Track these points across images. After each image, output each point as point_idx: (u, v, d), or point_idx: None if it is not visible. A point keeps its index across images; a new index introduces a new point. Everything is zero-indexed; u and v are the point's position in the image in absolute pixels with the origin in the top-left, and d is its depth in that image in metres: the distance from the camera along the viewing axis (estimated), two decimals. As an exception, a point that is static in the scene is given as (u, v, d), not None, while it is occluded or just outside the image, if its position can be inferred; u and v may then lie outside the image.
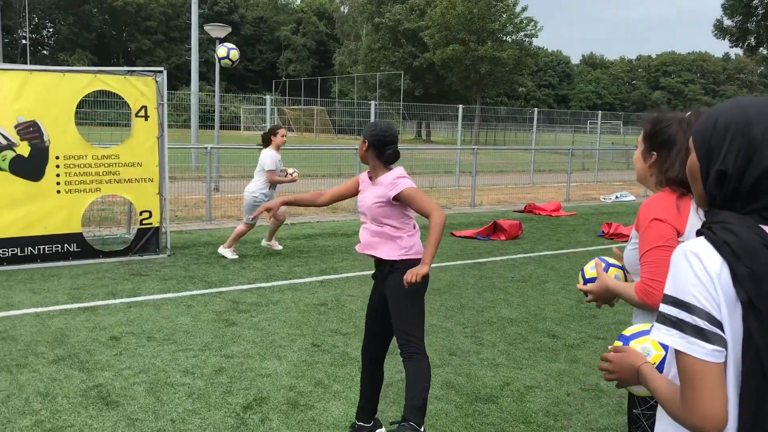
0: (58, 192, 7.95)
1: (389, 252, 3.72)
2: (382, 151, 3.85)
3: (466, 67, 47.52)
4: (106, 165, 8.21)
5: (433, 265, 8.53)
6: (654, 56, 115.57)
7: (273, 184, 8.68)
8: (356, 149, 13.73)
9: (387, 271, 3.76)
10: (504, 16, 48.14)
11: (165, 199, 8.72)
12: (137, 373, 4.82)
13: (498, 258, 9.26)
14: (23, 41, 68.61)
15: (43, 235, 7.88)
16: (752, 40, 34.54)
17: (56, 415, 4.11)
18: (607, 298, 2.49)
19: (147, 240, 8.56)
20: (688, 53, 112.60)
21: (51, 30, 77.71)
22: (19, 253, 7.77)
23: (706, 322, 1.37)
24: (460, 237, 10.80)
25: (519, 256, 9.46)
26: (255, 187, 8.73)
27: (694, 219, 2.24)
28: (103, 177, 8.22)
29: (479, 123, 42.43)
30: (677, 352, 1.42)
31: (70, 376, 4.71)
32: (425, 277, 3.54)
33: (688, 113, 2.41)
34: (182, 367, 4.96)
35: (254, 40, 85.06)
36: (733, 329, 1.37)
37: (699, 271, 1.40)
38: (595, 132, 28.52)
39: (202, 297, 6.87)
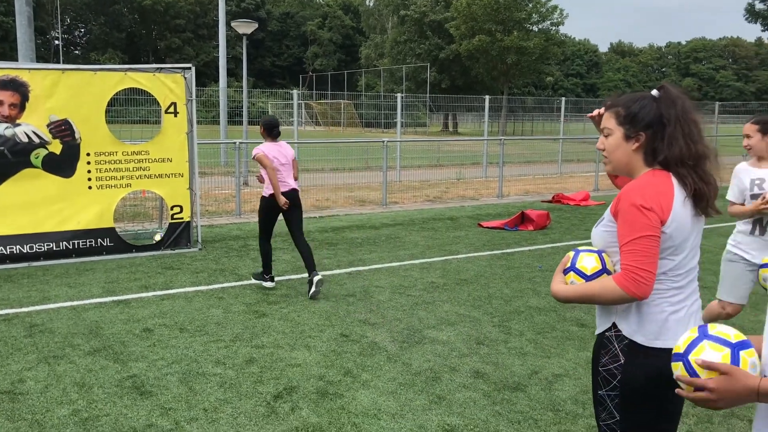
0: (90, 188, 8.11)
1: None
2: (271, 132, 7.01)
3: (492, 57, 47.20)
4: (137, 161, 8.36)
5: (460, 256, 8.56)
6: (684, 43, 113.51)
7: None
8: (382, 141, 13.72)
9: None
10: (530, 5, 47.67)
11: (195, 193, 8.84)
12: (170, 363, 4.92)
13: (526, 248, 9.22)
14: (56, 42, 69.76)
15: (76, 230, 8.05)
16: (786, 23, 33.77)
17: (92, 405, 4.23)
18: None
19: (179, 234, 8.70)
20: (719, 39, 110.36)
21: (83, 30, 78.90)
22: (54, 248, 7.95)
23: None
24: (488, 228, 10.78)
25: (547, 246, 9.41)
26: None
27: (677, 206, 2.19)
28: (134, 173, 8.36)
29: (506, 114, 42.13)
30: None
31: (106, 367, 4.83)
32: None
33: (654, 90, 2.32)
34: (214, 357, 5.05)
35: (281, 35, 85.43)
36: None
37: None
38: (625, 120, 28.12)
39: (232, 289, 6.97)
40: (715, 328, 1.71)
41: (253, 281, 7.16)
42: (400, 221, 11.44)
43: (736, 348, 1.63)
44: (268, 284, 7.01)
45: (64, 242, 8.00)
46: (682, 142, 2.24)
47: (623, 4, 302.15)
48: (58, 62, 58.68)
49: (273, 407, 4.22)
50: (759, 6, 33.56)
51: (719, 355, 1.63)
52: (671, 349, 1.86)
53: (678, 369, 1.73)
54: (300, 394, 4.43)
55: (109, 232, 8.27)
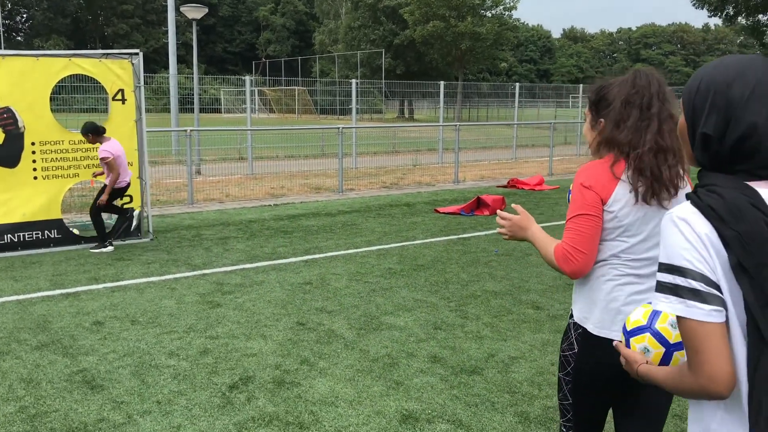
0: (36, 178, 7.86)
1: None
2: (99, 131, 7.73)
3: (446, 43, 47.28)
4: (84, 150, 8.12)
5: (417, 242, 8.57)
6: (634, 29, 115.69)
7: None
8: (338, 128, 13.65)
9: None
10: (483, -10, 47.83)
11: (145, 183, 8.64)
12: (122, 356, 4.80)
13: (482, 233, 9.28)
14: (-3, 28, 67.34)
15: (22, 222, 7.79)
16: (730, 9, 34.54)
17: (41, 401, 4.10)
18: (519, 236, 2.46)
19: (128, 224, 8.49)
20: (669, 24, 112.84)
21: (25, 16, 76.34)
22: (-2, 242, 7.69)
23: (702, 284, 1.37)
24: (444, 213, 10.82)
25: (503, 230, 9.47)
26: None
27: (621, 188, 2.19)
28: (81, 162, 8.13)
29: (461, 99, 42.32)
30: (678, 319, 1.41)
31: (54, 362, 4.69)
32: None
33: (628, 74, 2.31)
34: (167, 349, 4.94)
35: (232, 21, 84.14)
36: (731, 289, 1.37)
37: (689, 235, 1.39)
38: (577, 106, 28.56)
39: (185, 280, 6.84)
40: None
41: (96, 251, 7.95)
42: (357, 208, 11.40)
43: (628, 335, 1.79)
44: (108, 249, 7.98)
45: (9, 235, 7.74)
46: (630, 129, 2.21)
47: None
48: None
49: (228, 398, 4.16)
50: (705, -9, 34.36)
51: (641, 312, 1.80)
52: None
53: (644, 341, 1.76)
54: (256, 383, 4.37)
55: (56, 223, 8.03)
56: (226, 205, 11.56)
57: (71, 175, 8.10)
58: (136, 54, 8.42)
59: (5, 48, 60.66)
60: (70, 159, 8.04)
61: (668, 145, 2.19)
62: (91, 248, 8.01)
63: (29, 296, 6.23)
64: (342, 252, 8.08)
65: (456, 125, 16.38)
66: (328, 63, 63.71)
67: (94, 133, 7.82)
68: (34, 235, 7.89)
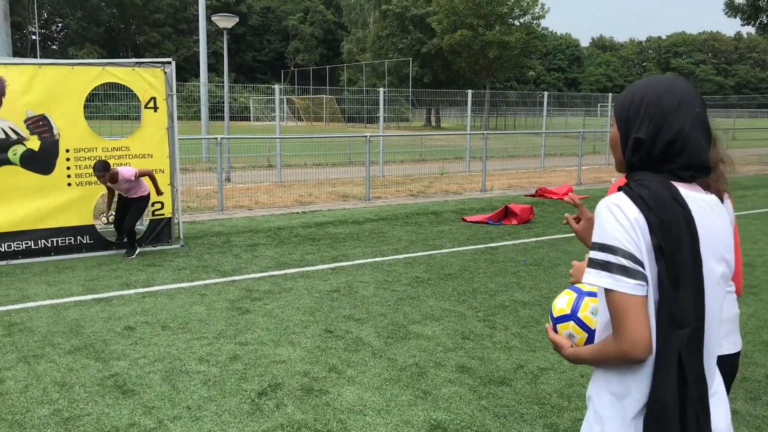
0: (69, 185, 8.00)
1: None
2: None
3: (474, 52, 47.25)
4: (117, 157, 8.25)
5: (444, 250, 8.56)
6: (664, 37, 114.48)
7: None
8: (365, 137, 13.70)
9: None
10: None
11: (176, 189, 8.75)
12: (152, 361, 4.86)
13: (510, 242, 9.23)
14: (33, 37, 68.85)
15: (56, 228, 7.94)
16: (764, 18, 33.99)
17: (74, 405, 4.16)
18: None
19: (160, 231, 8.61)
20: (699, 33, 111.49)
21: (60, 25, 77.96)
22: (33, 246, 7.83)
23: (630, 261, 1.57)
24: (472, 222, 10.78)
25: (531, 239, 9.43)
26: None
27: None
28: (115, 169, 8.25)
29: (489, 108, 42.23)
30: (606, 291, 1.60)
31: (87, 366, 4.76)
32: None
33: None
34: (197, 355, 4.99)
35: (262, 30, 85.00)
36: (651, 268, 1.58)
37: (621, 219, 1.60)
38: (606, 115, 28.31)
39: (215, 286, 6.90)
40: (585, 287, 1.98)
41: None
42: (384, 216, 11.41)
43: (554, 322, 1.95)
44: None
45: (43, 240, 7.89)
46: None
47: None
48: (36, 58, 57.94)
49: (257, 404, 4.18)
50: (738, 0, 33.87)
51: (565, 300, 1.96)
52: None
53: (569, 328, 1.92)
54: (285, 390, 4.39)
55: (88, 229, 8.16)
56: (255, 212, 11.66)
57: (104, 182, 8.22)
58: (169, 63, 8.55)
59: (41, 56, 61.99)
60: (104, 166, 8.16)
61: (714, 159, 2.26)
62: (124, 255, 8.13)
63: (63, 301, 6.33)
64: (369, 260, 8.09)
65: (484, 134, 16.33)
66: (355, 72, 64.01)
67: (106, 168, 7.68)
68: (67, 241, 8.03)
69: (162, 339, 5.32)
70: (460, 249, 8.77)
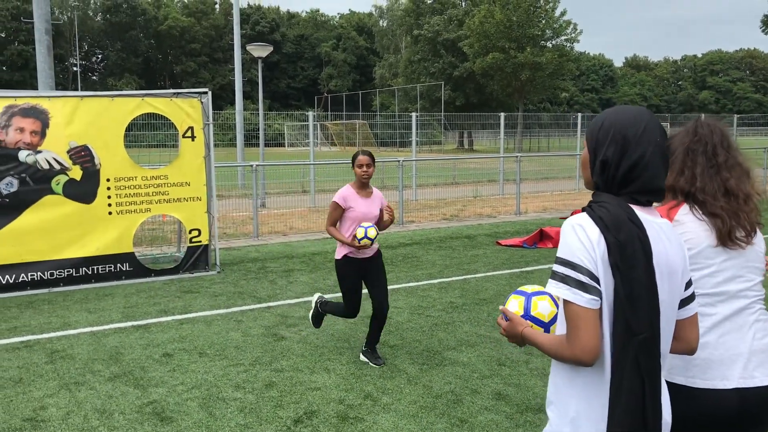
0: (110, 213, 8.17)
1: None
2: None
3: (506, 74, 47.26)
4: (156, 185, 8.42)
5: (479, 275, 8.51)
6: (700, 55, 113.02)
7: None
8: (398, 161, 13.73)
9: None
10: (543, 21, 47.75)
11: (213, 217, 8.88)
12: (190, 388, 4.91)
13: (545, 266, 9.15)
14: (74, 68, 70.90)
15: (96, 256, 8.10)
16: (803, 34, 33.45)
17: None
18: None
19: (197, 258, 8.73)
20: (736, 51, 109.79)
21: (100, 56, 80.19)
22: (74, 274, 8.00)
23: (587, 278, 1.75)
24: (506, 246, 10.72)
25: (567, 263, 9.32)
26: None
27: (679, 226, 2.31)
28: (153, 197, 8.42)
29: (522, 130, 42.07)
30: (564, 301, 1.78)
31: (126, 393, 4.83)
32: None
33: (689, 124, 2.46)
34: (234, 382, 5.03)
35: (296, 57, 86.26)
36: (606, 283, 1.75)
37: (582, 238, 1.77)
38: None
39: (251, 312, 6.96)
40: (529, 289, 2.16)
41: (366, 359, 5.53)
42: (417, 240, 11.41)
43: (529, 296, 2.11)
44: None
45: (84, 268, 8.06)
46: (696, 175, 2.42)
47: (637, 18, 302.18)
48: (77, 88, 59.62)
49: (293, 432, 4.19)
50: (775, 17, 33.34)
51: (516, 303, 2.11)
52: (707, 389, 2.25)
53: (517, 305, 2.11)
54: (320, 418, 4.39)
55: (128, 256, 8.31)
56: (289, 237, 11.75)
57: (143, 210, 8.39)
58: (205, 93, 8.73)
59: (81, 87, 63.72)
60: (143, 194, 8.34)
61: (738, 190, 2.32)
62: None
63: (102, 328, 6.45)
64: (403, 285, 8.09)
65: (517, 156, 16.28)
66: (388, 96, 64.48)
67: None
68: (107, 268, 8.19)
69: (199, 366, 5.38)
70: (494, 273, 8.71)
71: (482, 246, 10.81)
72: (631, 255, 1.73)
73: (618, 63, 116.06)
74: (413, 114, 18.29)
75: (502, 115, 20.72)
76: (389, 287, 7.98)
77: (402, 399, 4.68)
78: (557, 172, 24.37)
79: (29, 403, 4.65)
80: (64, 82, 67.08)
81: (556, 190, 20.34)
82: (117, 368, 5.34)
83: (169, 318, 6.77)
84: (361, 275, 5.47)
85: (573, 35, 48.78)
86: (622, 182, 1.83)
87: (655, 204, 1.95)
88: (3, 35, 68.17)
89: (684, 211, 2.33)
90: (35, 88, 10.71)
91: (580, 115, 23.61)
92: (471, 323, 6.49)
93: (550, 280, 1.84)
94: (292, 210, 15.16)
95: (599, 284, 1.75)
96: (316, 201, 16.07)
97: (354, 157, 5.49)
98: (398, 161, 13.96)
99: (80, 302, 7.41)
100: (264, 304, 7.26)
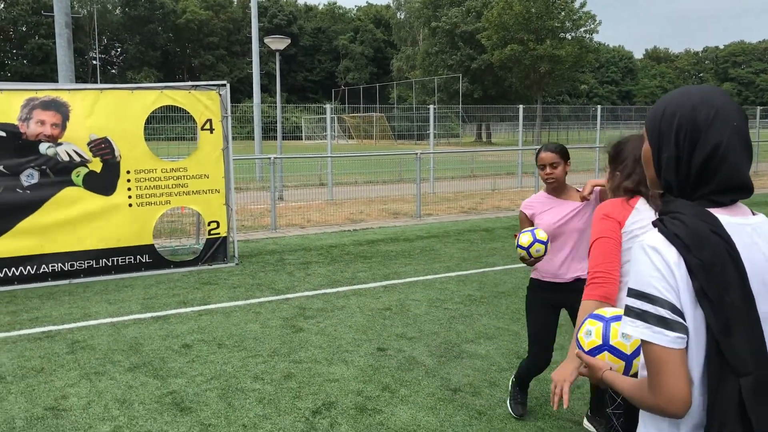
0: (130, 205, 8.23)
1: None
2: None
3: (525, 66, 46.95)
4: (175, 178, 8.46)
5: (497, 268, 8.48)
6: (722, 47, 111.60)
7: None
8: (415, 154, 13.71)
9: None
10: (563, 13, 47.35)
11: (231, 209, 8.92)
12: (209, 379, 4.94)
13: (564, 259, 9.08)
14: (93, 62, 71.48)
15: (116, 248, 8.17)
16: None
17: (134, 422, 4.25)
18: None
19: (215, 249, 8.77)
20: (759, 42, 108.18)
21: (119, 50, 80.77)
22: (94, 265, 8.07)
23: (669, 312, 1.44)
24: (525, 239, 10.65)
25: (586, 256, 9.26)
26: None
27: (638, 214, 2.60)
28: (173, 189, 8.46)
29: (541, 122, 41.85)
30: (643, 342, 1.48)
31: (146, 384, 4.87)
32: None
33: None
34: (252, 372, 5.05)
35: (313, 50, 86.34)
36: (695, 315, 1.45)
37: (658, 263, 1.47)
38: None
39: (269, 304, 6.99)
40: (607, 313, 1.90)
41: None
42: (435, 233, 11.39)
43: (608, 322, 1.85)
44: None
45: (104, 259, 8.12)
46: (631, 175, 2.79)
47: (657, 9, 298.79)
48: (96, 81, 60.10)
49: (312, 423, 4.20)
50: (799, 7, 32.76)
51: (593, 330, 1.86)
52: None
53: (606, 358, 1.82)
54: (339, 409, 4.40)
55: (148, 248, 8.37)
56: (307, 230, 11.78)
57: (163, 202, 8.44)
58: (224, 85, 8.75)
59: (101, 80, 64.23)
60: (162, 187, 8.38)
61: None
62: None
63: (122, 319, 6.50)
64: (421, 278, 8.08)
65: (535, 149, 16.18)
66: (405, 89, 64.34)
67: None
68: (127, 260, 8.26)
69: (218, 357, 5.41)
70: (513, 266, 8.67)
71: (500, 239, 10.76)
72: (720, 276, 1.42)
73: (638, 55, 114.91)
74: (431, 106, 18.23)
75: (521, 107, 20.59)
76: (407, 280, 7.99)
77: (420, 391, 4.68)
78: (576, 164, 24.16)
79: (51, 393, 4.70)
80: (83, 75, 67.62)
81: (576, 182, 20.14)
82: (137, 359, 5.38)
83: (188, 309, 6.81)
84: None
85: (592, 26, 48.34)
86: (698, 180, 1.52)
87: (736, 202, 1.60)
88: (24, 29, 68.89)
89: (642, 202, 2.63)
90: (55, 81, 10.81)
91: (599, 107, 23.41)
92: (489, 316, 6.47)
93: (624, 317, 1.53)
94: (309, 203, 15.18)
95: (684, 319, 1.45)
96: (334, 194, 16.09)
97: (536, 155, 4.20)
98: (416, 154, 13.93)
99: (100, 293, 7.47)
100: (282, 296, 7.28)
